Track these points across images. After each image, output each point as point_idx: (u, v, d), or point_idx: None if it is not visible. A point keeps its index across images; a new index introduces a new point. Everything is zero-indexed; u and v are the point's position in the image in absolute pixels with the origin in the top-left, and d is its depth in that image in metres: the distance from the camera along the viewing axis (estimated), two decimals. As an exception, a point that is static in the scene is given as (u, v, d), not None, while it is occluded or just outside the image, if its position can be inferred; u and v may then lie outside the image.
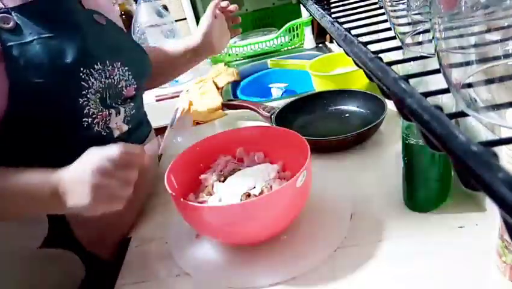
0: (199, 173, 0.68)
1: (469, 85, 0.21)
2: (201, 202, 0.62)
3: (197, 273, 0.57)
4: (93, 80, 0.63)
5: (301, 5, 1.41)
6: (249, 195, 0.60)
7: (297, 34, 1.48)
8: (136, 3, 1.32)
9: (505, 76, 0.20)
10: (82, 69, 0.61)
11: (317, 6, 0.47)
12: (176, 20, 1.41)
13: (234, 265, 0.57)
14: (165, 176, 0.60)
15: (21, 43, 0.57)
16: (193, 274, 0.57)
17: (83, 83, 0.61)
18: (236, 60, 1.51)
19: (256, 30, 1.63)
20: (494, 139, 0.18)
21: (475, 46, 0.21)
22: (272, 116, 0.89)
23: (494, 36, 0.20)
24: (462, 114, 0.22)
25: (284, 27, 1.45)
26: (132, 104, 0.72)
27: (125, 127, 0.70)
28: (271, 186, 0.61)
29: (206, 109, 1.10)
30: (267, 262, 0.56)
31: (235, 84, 1.31)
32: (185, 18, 1.46)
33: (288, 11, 1.59)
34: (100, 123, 0.65)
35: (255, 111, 0.97)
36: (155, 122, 0.92)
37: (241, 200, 0.59)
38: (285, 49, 1.50)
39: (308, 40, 1.47)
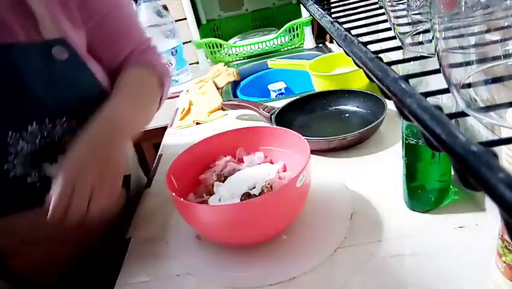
0: (199, 173, 0.69)
1: (469, 85, 0.21)
2: (201, 202, 0.62)
3: (197, 273, 0.57)
4: (22, 144, 0.54)
5: (301, 5, 1.41)
6: (249, 195, 0.60)
7: (297, 34, 1.48)
8: (136, 3, 1.32)
9: (505, 76, 0.20)
10: (10, 133, 0.53)
11: (317, 6, 0.47)
12: (176, 20, 1.41)
13: (234, 265, 0.57)
14: (165, 176, 0.60)
15: None
16: (193, 274, 0.57)
17: (10, 149, 0.53)
18: (236, 60, 1.51)
19: (256, 30, 1.63)
20: (494, 139, 0.18)
21: (475, 46, 0.21)
22: (272, 116, 0.89)
23: (494, 36, 0.20)
24: (462, 114, 0.22)
25: (284, 28, 1.45)
26: None
27: None
28: (271, 186, 0.61)
29: (206, 109, 1.10)
30: (267, 262, 0.56)
31: (235, 84, 1.31)
32: (185, 18, 1.46)
33: (288, 11, 1.59)
34: (34, 176, 0.57)
35: (255, 111, 0.97)
36: (155, 122, 0.92)
37: (241, 200, 0.59)
38: (285, 49, 1.50)
39: (308, 40, 1.47)
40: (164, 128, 1.10)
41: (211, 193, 0.64)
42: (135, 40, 0.72)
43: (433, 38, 0.23)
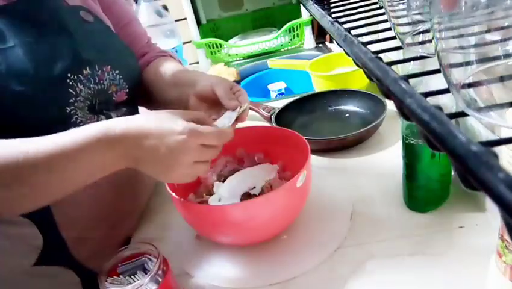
0: (199, 173, 0.68)
1: (469, 85, 0.21)
2: (201, 202, 0.62)
3: (197, 273, 0.57)
4: (81, 87, 0.58)
5: (301, 5, 1.41)
6: (249, 195, 0.60)
7: (297, 34, 1.48)
8: (136, 3, 1.32)
9: (505, 76, 0.20)
10: (69, 75, 0.57)
11: (317, 6, 0.47)
12: (176, 20, 1.41)
13: (233, 265, 0.57)
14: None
15: (3, 48, 0.52)
16: (193, 274, 0.57)
17: (70, 90, 0.57)
18: (236, 60, 1.51)
19: (256, 30, 1.63)
20: (494, 139, 0.18)
21: (475, 46, 0.21)
22: (272, 116, 0.89)
23: (494, 36, 0.20)
24: (462, 114, 0.22)
25: (284, 28, 1.45)
26: (124, 109, 0.67)
27: None
28: (271, 186, 0.61)
29: (206, 109, 1.10)
30: (267, 262, 0.56)
31: (235, 84, 1.31)
32: (185, 18, 1.46)
33: (288, 11, 1.59)
34: None
35: (255, 111, 0.97)
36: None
37: (241, 200, 0.59)
38: (285, 49, 1.50)
39: (308, 40, 1.47)
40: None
41: (211, 193, 0.64)
42: (144, 31, 0.81)
43: (433, 38, 0.23)
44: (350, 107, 0.91)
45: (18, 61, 0.53)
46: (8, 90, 0.51)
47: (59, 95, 0.56)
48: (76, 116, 0.58)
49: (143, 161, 0.48)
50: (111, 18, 0.72)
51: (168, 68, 0.72)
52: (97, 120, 0.60)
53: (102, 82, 0.62)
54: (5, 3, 0.55)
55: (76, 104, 0.58)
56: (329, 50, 1.40)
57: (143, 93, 0.74)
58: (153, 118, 0.49)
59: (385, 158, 0.73)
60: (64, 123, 0.57)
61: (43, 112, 0.55)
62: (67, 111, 0.57)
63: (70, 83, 0.57)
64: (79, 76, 0.58)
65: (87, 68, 0.59)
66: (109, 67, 0.63)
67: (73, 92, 0.57)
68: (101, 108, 0.62)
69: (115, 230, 0.68)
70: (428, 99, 0.22)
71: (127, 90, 0.67)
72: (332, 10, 0.49)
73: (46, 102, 0.55)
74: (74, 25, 0.60)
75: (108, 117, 0.63)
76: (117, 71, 0.64)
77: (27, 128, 0.52)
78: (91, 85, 0.60)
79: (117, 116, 0.64)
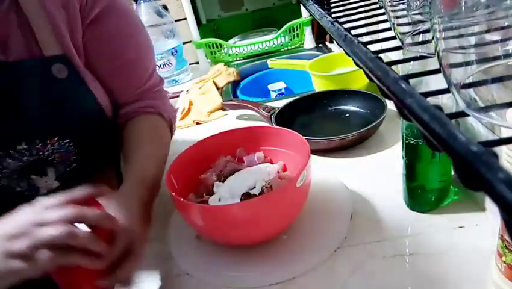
0: (199, 173, 0.68)
1: (469, 85, 0.21)
2: (201, 202, 0.62)
3: (197, 273, 0.57)
4: (9, 160, 0.53)
5: (301, 5, 1.41)
6: (249, 195, 0.60)
7: (297, 34, 1.48)
8: (136, 3, 1.32)
9: (505, 76, 0.20)
10: None
11: (317, 6, 0.47)
12: (176, 20, 1.41)
13: (233, 265, 0.57)
14: (165, 176, 0.60)
15: None
16: (193, 274, 0.57)
17: None
18: (236, 60, 1.51)
19: (256, 30, 1.63)
20: (494, 139, 0.18)
21: (475, 46, 0.21)
22: (272, 116, 0.89)
23: (494, 36, 0.20)
24: (462, 114, 0.22)
25: (284, 28, 1.45)
26: (72, 159, 0.60)
27: (56, 184, 0.59)
28: (271, 186, 0.61)
29: (206, 109, 1.10)
30: (267, 262, 0.56)
31: (235, 84, 1.31)
32: (185, 18, 1.46)
33: (288, 11, 1.59)
34: (23, 186, 0.56)
35: (255, 111, 0.97)
36: (155, 122, 0.91)
37: (241, 200, 0.59)
38: (285, 49, 1.50)
39: (308, 40, 1.47)
40: (164, 128, 1.10)
41: (211, 193, 0.64)
42: (143, 73, 0.70)
43: (433, 38, 0.23)
44: (350, 107, 0.91)
45: None
46: None
47: None
48: (2, 183, 0.54)
49: None
50: (107, 54, 0.64)
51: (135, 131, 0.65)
52: (30, 180, 0.56)
53: (41, 153, 0.56)
54: None
55: (1, 174, 0.53)
56: (329, 50, 1.40)
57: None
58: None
59: (385, 158, 0.73)
60: None
61: None
62: None
63: None
64: (10, 151, 0.53)
65: (23, 143, 0.54)
66: (55, 138, 0.57)
67: None
68: (35, 171, 0.57)
69: None
70: (428, 99, 0.22)
71: (76, 152, 0.61)
72: (332, 10, 0.49)
73: None
74: (36, 89, 0.54)
75: (43, 174, 0.57)
76: (67, 140, 0.58)
77: None
78: (25, 158, 0.55)
79: (56, 171, 0.58)
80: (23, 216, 0.42)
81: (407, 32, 0.32)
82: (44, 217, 0.41)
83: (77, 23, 0.58)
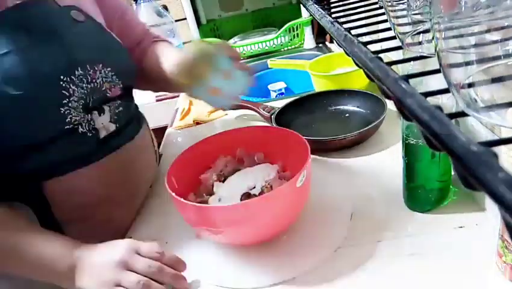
0: (199, 173, 0.68)
1: (469, 85, 0.21)
2: (201, 202, 0.62)
3: (197, 273, 0.57)
4: (74, 87, 0.60)
5: (301, 5, 1.41)
6: (249, 195, 0.60)
7: (297, 34, 1.48)
8: (136, 3, 1.32)
9: (505, 76, 0.20)
10: (62, 77, 0.59)
11: (317, 6, 0.47)
12: (176, 20, 1.41)
13: (234, 265, 0.57)
14: (165, 176, 0.60)
15: None
16: (193, 274, 0.57)
17: (64, 92, 0.59)
18: (236, 60, 1.51)
19: (256, 30, 1.63)
20: (494, 139, 0.18)
21: (475, 46, 0.21)
22: (272, 116, 0.89)
23: (494, 36, 0.20)
24: (462, 114, 0.22)
25: (284, 28, 1.45)
26: (119, 102, 0.69)
27: (112, 127, 0.67)
28: (271, 186, 0.61)
29: (206, 109, 1.10)
30: (267, 262, 0.56)
31: (235, 84, 1.31)
32: (185, 18, 1.46)
33: (288, 11, 1.59)
34: (84, 126, 0.63)
35: (255, 111, 0.97)
36: (155, 122, 0.92)
37: (241, 200, 0.59)
38: (285, 49, 1.50)
39: (308, 40, 1.47)
40: (164, 128, 1.10)
41: (211, 193, 0.64)
42: (139, 27, 0.84)
43: (433, 38, 0.23)
44: (350, 107, 0.91)
45: (12, 67, 0.55)
46: (5, 95, 0.54)
47: (53, 97, 0.59)
48: (71, 116, 0.60)
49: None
50: (106, 11, 0.75)
51: (164, 51, 0.78)
52: (91, 118, 0.63)
53: (94, 80, 0.64)
54: None
55: (70, 104, 0.60)
56: (329, 50, 1.40)
57: (145, 78, 0.80)
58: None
59: (385, 158, 0.73)
60: (58, 123, 0.59)
61: (38, 114, 0.58)
62: (61, 112, 0.59)
63: (63, 85, 0.59)
64: (72, 77, 0.60)
65: (79, 69, 0.61)
66: (100, 65, 0.65)
67: (67, 93, 0.59)
68: (95, 105, 0.64)
69: (111, 222, 0.69)
70: (428, 99, 0.22)
71: (121, 86, 0.69)
72: (332, 10, 0.49)
73: (41, 104, 0.58)
74: (65, 27, 0.62)
75: (101, 111, 0.65)
76: (109, 69, 0.66)
77: (25, 131, 0.57)
78: (84, 85, 0.62)
79: (110, 109, 0.66)
80: (116, 251, 0.54)
81: (407, 32, 0.32)
82: (132, 261, 0.53)
83: None
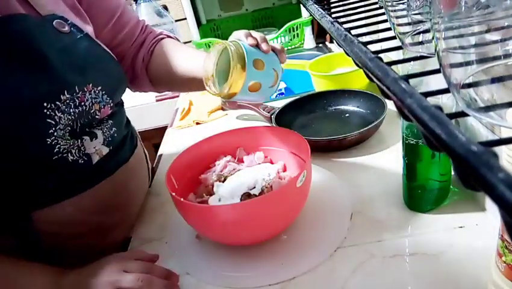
0: (199, 173, 0.69)
1: (469, 85, 0.21)
2: (201, 202, 0.62)
3: (197, 273, 0.57)
4: (59, 114, 0.54)
5: (301, 5, 1.41)
6: (249, 195, 0.60)
7: (297, 34, 1.48)
8: (136, 3, 1.32)
9: (505, 76, 0.20)
10: (45, 104, 0.52)
11: (317, 6, 0.47)
12: (176, 20, 1.41)
13: (234, 265, 0.57)
14: (165, 176, 0.60)
15: None
16: (193, 274, 0.57)
17: (49, 120, 0.53)
18: (236, 60, 1.51)
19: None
20: (494, 139, 0.18)
21: (475, 46, 0.21)
22: (272, 116, 0.89)
23: (494, 36, 0.20)
24: (462, 114, 0.22)
25: (284, 28, 1.45)
26: (111, 122, 0.63)
27: (106, 150, 0.62)
28: (271, 186, 0.61)
29: (206, 109, 1.10)
30: (267, 262, 0.56)
31: (235, 84, 1.31)
32: (185, 18, 1.46)
33: (288, 11, 1.59)
34: (74, 152, 0.57)
35: (255, 111, 0.97)
36: (155, 122, 0.92)
37: (241, 200, 0.59)
38: (285, 49, 1.50)
39: (308, 40, 1.47)
40: (164, 128, 1.10)
41: (211, 193, 0.64)
42: (138, 26, 0.78)
43: (433, 38, 0.23)
44: (350, 107, 0.91)
45: None
46: None
47: (36, 128, 0.52)
48: (58, 145, 0.55)
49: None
50: (103, 14, 0.69)
51: (174, 48, 0.76)
52: (81, 144, 0.58)
53: (83, 103, 0.57)
54: None
55: (56, 133, 0.54)
56: (329, 50, 1.40)
57: (159, 79, 0.77)
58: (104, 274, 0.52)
59: (385, 158, 0.73)
60: (45, 155, 0.54)
61: (21, 148, 0.52)
62: (48, 142, 0.53)
63: (47, 112, 0.53)
64: (57, 103, 0.54)
65: (65, 92, 0.55)
66: (90, 85, 0.58)
67: (52, 121, 0.53)
68: (83, 129, 0.58)
69: (101, 246, 0.66)
70: (428, 99, 0.22)
71: (111, 104, 0.63)
72: (332, 10, 0.49)
73: (24, 137, 0.52)
74: (48, 44, 0.55)
75: (93, 135, 0.60)
76: (99, 88, 0.60)
77: (7, 165, 0.52)
78: (71, 110, 0.56)
79: (103, 132, 0.61)
80: (105, 272, 0.52)
81: (407, 32, 0.32)
82: (127, 265, 0.52)
83: None
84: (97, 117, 0.61)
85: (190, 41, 1.51)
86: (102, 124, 0.62)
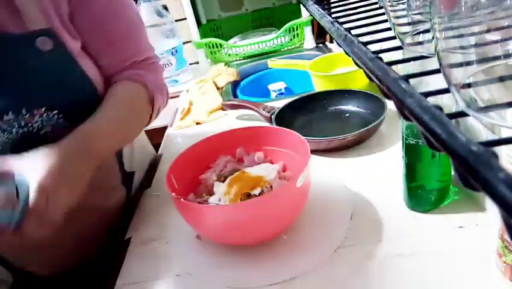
0: (199, 173, 0.68)
1: (469, 85, 0.21)
2: (201, 202, 0.62)
3: (197, 273, 0.57)
4: None
5: (301, 5, 1.41)
6: (249, 195, 0.60)
7: (297, 34, 1.48)
8: (136, 3, 1.32)
9: (505, 76, 0.20)
10: None
11: (317, 6, 0.47)
12: (176, 20, 1.41)
13: (234, 265, 0.57)
14: (165, 176, 0.60)
15: None
16: (193, 274, 0.57)
17: None
18: (236, 60, 1.51)
19: (256, 30, 1.63)
20: (494, 139, 0.18)
21: (475, 46, 0.21)
22: (272, 116, 0.89)
23: (494, 36, 0.20)
24: (462, 114, 0.22)
25: (284, 28, 1.45)
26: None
27: None
28: (271, 186, 0.61)
29: (206, 109, 1.10)
30: (267, 262, 0.56)
31: (235, 84, 1.31)
32: (185, 18, 1.46)
33: (288, 11, 1.59)
34: None
35: (255, 111, 0.97)
36: (155, 122, 0.91)
37: (241, 200, 0.59)
38: (285, 49, 1.50)
39: (308, 40, 1.47)
40: (164, 128, 1.10)
41: (211, 193, 0.64)
42: (134, 49, 0.71)
43: (433, 38, 0.22)
44: (350, 107, 0.91)
45: None
46: None
47: None
48: None
49: None
50: (84, 27, 0.63)
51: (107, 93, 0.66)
52: None
53: (30, 125, 0.57)
54: None
55: None
56: (329, 50, 1.40)
57: None
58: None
59: (385, 158, 0.73)
60: None
61: None
62: None
63: None
64: None
65: (9, 113, 0.55)
66: (42, 109, 0.57)
67: None
68: (31, 146, 0.54)
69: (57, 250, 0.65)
70: (428, 99, 0.22)
71: (68, 126, 0.59)
72: (332, 10, 0.48)
73: None
74: (13, 61, 0.54)
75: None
76: (54, 112, 0.58)
77: None
78: (14, 130, 0.56)
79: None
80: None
81: (407, 32, 0.32)
82: None
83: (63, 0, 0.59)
84: (48, 137, 0.59)
85: (190, 41, 1.51)
86: (51, 141, 0.58)
